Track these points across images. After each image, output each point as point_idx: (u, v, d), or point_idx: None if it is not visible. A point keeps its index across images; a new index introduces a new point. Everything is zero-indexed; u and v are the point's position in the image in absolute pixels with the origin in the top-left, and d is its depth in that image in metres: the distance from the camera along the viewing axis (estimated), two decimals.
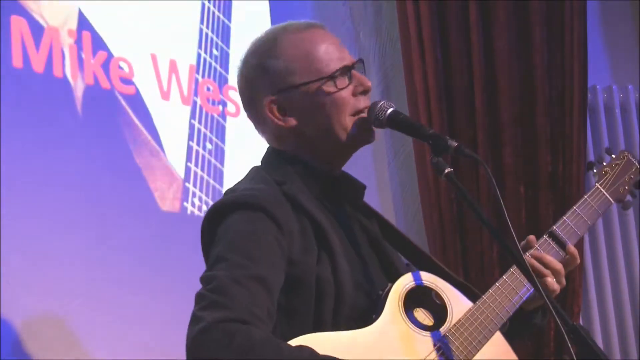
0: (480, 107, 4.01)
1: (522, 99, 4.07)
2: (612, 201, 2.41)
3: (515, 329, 2.20)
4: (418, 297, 2.06)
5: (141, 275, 3.20)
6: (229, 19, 3.69)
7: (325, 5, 4.02)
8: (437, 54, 4.00)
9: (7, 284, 2.89)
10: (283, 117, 2.15)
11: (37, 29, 3.12)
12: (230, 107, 3.61)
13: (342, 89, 2.14)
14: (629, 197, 2.46)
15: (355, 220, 2.20)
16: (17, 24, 3.08)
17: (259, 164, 2.23)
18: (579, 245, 4.03)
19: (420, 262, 2.24)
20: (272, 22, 3.74)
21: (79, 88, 3.20)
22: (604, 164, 2.44)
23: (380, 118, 2.16)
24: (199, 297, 1.92)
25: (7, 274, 2.89)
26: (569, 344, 1.88)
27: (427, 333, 2.02)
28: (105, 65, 3.27)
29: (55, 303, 3.02)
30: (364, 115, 2.16)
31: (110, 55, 3.29)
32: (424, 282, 2.08)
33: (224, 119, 3.58)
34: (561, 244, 2.28)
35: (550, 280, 2.21)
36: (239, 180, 2.18)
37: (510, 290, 2.15)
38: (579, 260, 2.29)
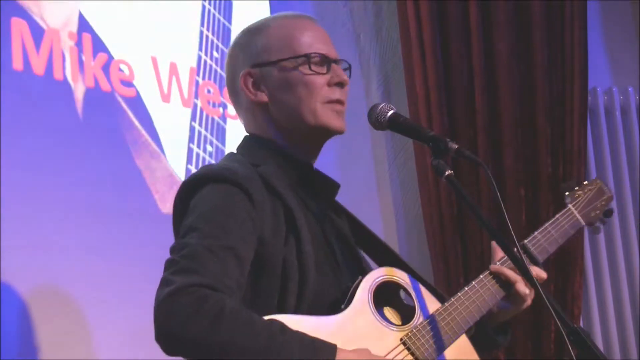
0: (481, 108, 4.01)
1: (522, 101, 4.07)
2: (583, 223, 2.45)
3: (478, 341, 2.19)
4: (388, 295, 2.06)
5: (141, 277, 3.19)
6: (230, 21, 3.69)
7: (326, 6, 4.03)
8: (438, 56, 4.00)
9: (7, 285, 2.89)
10: (255, 91, 2.18)
11: (37, 31, 3.12)
12: (231, 110, 3.61)
13: (317, 73, 2.16)
14: (598, 223, 2.50)
15: (327, 215, 2.20)
16: (18, 26, 3.08)
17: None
18: (580, 246, 4.04)
19: (390, 263, 2.21)
20: None
21: (79, 90, 3.20)
22: (577, 188, 2.48)
23: (380, 120, 2.16)
24: (170, 263, 1.92)
25: (7, 274, 2.89)
26: (569, 346, 1.88)
27: (395, 327, 2.02)
28: (106, 68, 3.27)
29: (55, 304, 3.02)
30: (337, 106, 2.17)
31: (110, 58, 3.29)
32: (394, 278, 2.09)
33: (225, 121, 3.58)
34: (532, 258, 2.30)
35: (522, 286, 2.22)
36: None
37: (478, 295, 2.16)
38: (545, 276, 2.28)
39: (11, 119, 3.00)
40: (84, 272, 3.07)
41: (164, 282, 1.88)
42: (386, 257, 2.26)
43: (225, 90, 3.58)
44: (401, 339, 2.01)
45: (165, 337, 1.85)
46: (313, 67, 2.15)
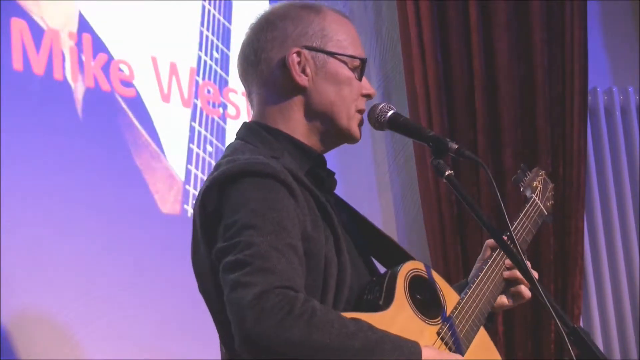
0: (481, 108, 4.01)
1: (522, 101, 4.07)
2: (546, 212, 2.48)
3: None
4: (414, 288, 2.05)
5: (141, 277, 3.20)
6: (230, 21, 3.69)
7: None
8: (438, 56, 4.00)
9: (7, 285, 2.89)
10: (301, 73, 2.09)
11: (37, 31, 3.12)
12: (231, 110, 3.61)
13: (359, 80, 2.14)
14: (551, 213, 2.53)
15: (334, 207, 2.14)
16: (18, 26, 3.08)
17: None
18: (580, 246, 4.04)
19: (397, 256, 2.18)
20: None
21: (79, 90, 3.20)
22: (526, 178, 2.48)
23: (380, 120, 2.16)
24: (236, 263, 1.81)
25: (7, 275, 2.89)
26: (569, 346, 1.88)
27: (430, 321, 2.01)
28: (106, 68, 3.27)
29: (55, 304, 3.03)
30: (361, 117, 2.16)
31: (110, 58, 3.30)
32: (421, 272, 2.08)
33: (224, 121, 3.58)
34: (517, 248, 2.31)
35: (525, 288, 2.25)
36: (225, 155, 2.05)
37: (490, 282, 2.21)
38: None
39: (11, 119, 3.00)
40: (83, 271, 3.07)
41: (240, 284, 1.78)
42: (389, 249, 2.23)
43: (225, 90, 3.61)
44: (437, 333, 2.01)
45: (257, 340, 1.76)
46: (360, 74, 2.14)
